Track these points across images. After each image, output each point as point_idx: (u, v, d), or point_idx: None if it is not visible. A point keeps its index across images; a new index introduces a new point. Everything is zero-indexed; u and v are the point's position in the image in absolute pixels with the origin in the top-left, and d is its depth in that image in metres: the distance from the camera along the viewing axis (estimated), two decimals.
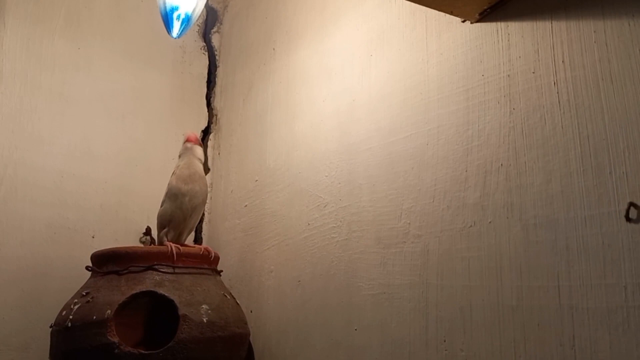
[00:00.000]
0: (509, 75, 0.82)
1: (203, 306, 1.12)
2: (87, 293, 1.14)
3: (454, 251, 0.86)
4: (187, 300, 1.12)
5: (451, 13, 0.89)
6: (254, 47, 1.57)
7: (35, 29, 1.45)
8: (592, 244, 0.68)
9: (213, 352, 1.11)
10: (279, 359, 1.22)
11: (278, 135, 1.37)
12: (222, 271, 1.32)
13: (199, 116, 1.71)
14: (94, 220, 1.46)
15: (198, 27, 1.77)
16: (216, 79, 1.76)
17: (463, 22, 0.91)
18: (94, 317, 1.07)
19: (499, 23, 0.85)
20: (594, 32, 0.72)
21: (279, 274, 1.27)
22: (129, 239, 1.49)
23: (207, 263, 1.25)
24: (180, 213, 1.26)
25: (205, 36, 1.79)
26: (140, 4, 1.65)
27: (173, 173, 1.31)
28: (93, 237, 1.45)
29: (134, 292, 1.10)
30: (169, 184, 1.29)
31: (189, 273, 1.19)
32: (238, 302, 1.26)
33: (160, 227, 1.27)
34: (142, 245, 1.47)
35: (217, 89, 1.75)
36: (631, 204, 0.65)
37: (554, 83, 0.76)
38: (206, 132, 1.71)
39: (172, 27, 1.14)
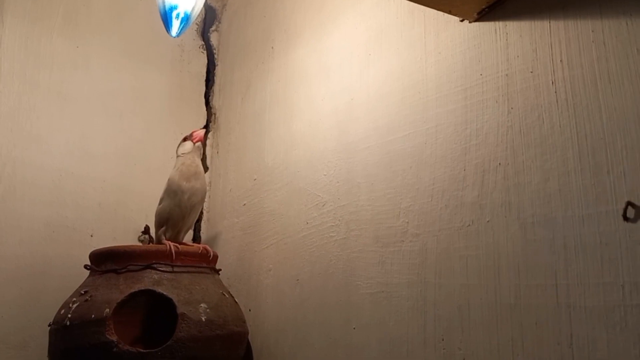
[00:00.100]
0: (507, 75, 0.82)
1: (202, 305, 1.13)
2: (85, 292, 1.14)
3: (452, 250, 0.86)
4: (186, 298, 1.12)
5: (449, 12, 0.89)
6: (253, 45, 1.57)
7: (34, 27, 1.45)
8: (589, 243, 0.68)
9: (211, 350, 1.11)
10: (278, 358, 1.22)
11: (276, 134, 1.37)
12: (220, 270, 1.33)
13: (197, 115, 1.71)
14: (93, 219, 1.46)
15: (197, 26, 1.77)
16: (215, 77, 1.76)
17: (461, 21, 0.91)
18: (93, 316, 1.07)
19: (497, 22, 0.85)
20: (592, 31, 0.72)
21: (278, 272, 1.27)
22: (128, 238, 1.49)
23: (206, 262, 1.25)
24: (179, 211, 1.26)
25: (204, 35, 1.79)
26: (139, 3, 1.64)
27: (176, 168, 1.30)
28: (92, 235, 1.45)
29: (132, 290, 1.10)
30: (169, 180, 1.28)
31: (188, 272, 1.19)
32: (237, 300, 1.26)
33: (158, 225, 1.27)
34: (140, 244, 1.47)
35: (216, 87, 1.75)
36: (629, 203, 0.65)
37: (552, 82, 0.76)
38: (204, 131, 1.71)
39: (171, 26, 1.14)
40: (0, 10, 1.40)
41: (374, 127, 1.05)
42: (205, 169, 1.65)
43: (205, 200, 1.56)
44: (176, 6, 1.15)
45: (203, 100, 1.73)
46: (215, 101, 1.73)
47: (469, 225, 0.84)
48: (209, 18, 1.80)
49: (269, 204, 1.35)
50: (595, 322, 0.66)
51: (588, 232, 0.69)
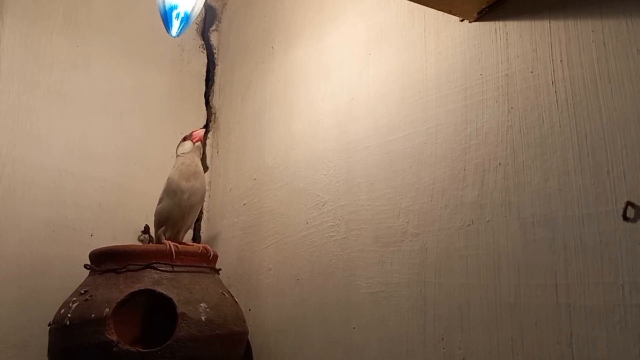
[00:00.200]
0: (507, 75, 0.82)
1: (201, 304, 1.13)
2: (85, 291, 1.14)
3: (452, 250, 0.86)
4: (186, 298, 1.12)
5: (449, 12, 0.89)
6: (253, 45, 1.57)
7: (34, 27, 1.45)
8: (589, 243, 0.68)
9: (211, 350, 1.11)
10: (278, 358, 1.22)
11: (276, 133, 1.37)
12: (220, 269, 1.33)
13: (197, 114, 1.71)
14: (93, 218, 1.46)
15: (197, 26, 1.77)
16: (215, 77, 1.76)
17: (461, 21, 0.91)
18: (93, 315, 1.07)
19: (497, 22, 0.86)
20: (592, 31, 0.72)
21: (278, 272, 1.27)
22: (128, 238, 1.49)
23: (206, 261, 1.25)
24: (179, 210, 1.26)
25: (204, 34, 1.79)
26: (139, 2, 1.64)
27: (175, 168, 1.30)
28: (91, 235, 1.45)
29: (132, 290, 1.10)
30: (169, 180, 1.28)
31: (188, 271, 1.19)
32: (236, 300, 1.26)
33: (158, 225, 1.27)
34: (140, 244, 1.47)
35: (216, 87, 1.75)
36: (629, 203, 0.65)
37: (552, 82, 0.76)
38: (204, 131, 1.71)
39: (171, 26, 1.14)
40: (0, 9, 1.40)
41: (374, 126, 1.05)
42: (205, 168, 1.66)
43: (205, 199, 1.56)
44: (176, 6, 1.15)
45: (203, 100, 1.73)
46: (215, 101, 1.73)
47: (469, 225, 0.84)
48: (209, 18, 1.80)
49: (269, 204, 1.35)
50: (595, 321, 0.66)
51: (588, 232, 0.69)
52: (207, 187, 1.60)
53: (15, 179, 1.36)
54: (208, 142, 1.70)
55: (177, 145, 1.37)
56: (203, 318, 1.11)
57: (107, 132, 1.53)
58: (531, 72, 0.79)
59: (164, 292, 1.11)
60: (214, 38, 1.79)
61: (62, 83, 1.47)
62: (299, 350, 1.15)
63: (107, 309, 1.07)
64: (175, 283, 1.14)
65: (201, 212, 1.59)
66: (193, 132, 1.37)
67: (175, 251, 1.18)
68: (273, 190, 1.34)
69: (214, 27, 1.80)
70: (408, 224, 0.94)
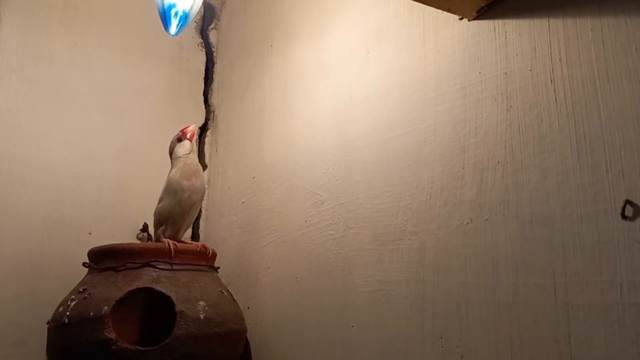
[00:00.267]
0: (506, 73, 0.82)
1: (200, 303, 1.13)
2: (84, 289, 1.14)
3: (451, 248, 0.86)
4: (184, 296, 1.12)
5: (449, 10, 0.89)
6: (252, 43, 1.56)
7: (32, 23, 1.45)
8: (588, 241, 0.68)
9: (210, 348, 1.11)
10: (276, 356, 1.22)
11: (275, 132, 1.37)
12: (219, 268, 1.33)
13: (196, 113, 1.71)
14: (91, 216, 1.46)
15: (195, 24, 1.77)
16: (214, 75, 1.76)
17: (460, 19, 0.91)
18: (91, 314, 1.07)
19: (496, 21, 0.86)
20: (591, 30, 0.72)
21: (276, 270, 1.27)
22: (126, 236, 1.49)
23: (205, 260, 1.25)
24: (179, 209, 1.25)
25: (203, 32, 1.79)
26: (138, 0, 1.64)
27: (177, 167, 1.28)
28: (90, 233, 1.45)
29: (131, 288, 1.10)
30: (169, 179, 1.27)
31: (186, 270, 1.19)
32: (235, 298, 1.26)
33: (158, 224, 1.27)
34: (139, 242, 1.47)
35: (215, 85, 1.74)
36: (627, 202, 0.65)
37: (551, 81, 0.76)
38: (203, 129, 1.71)
39: (170, 24, 1.14)
40: None
41: (373, 125, 1.05)
42: (204, 167, 1.66)
43: (204, 198, 1.56)
44: (175, 4, 1.14)
45: (202, 98, 1.73)
46: (214, 99, 1.73)
47: (468, 223, 0.84)
48: (208, 16, 1.80)
49: (267, 202, 1.35)
50: (593, 320, 0.66)
51: (586, 230, 0.69)
52: (206, 186, 1.59)
53: (13, 177, 1.36)
54: (207, 140, 1.70)
55: (171, 147, 1.32)
56: (202, 316, 1.11)
57: (106, 130, 1.52)
58: (530, 70, 0.79)
59: (163, 290, 1.11)
60: (213, 36, 1.79)
61: (61, 80, 1.47)
62: (298, 349, 1.15)
63: (106, 307, 1.07)
64: (173, 281, 1.14)
65: (200, 211, 1.59)
66: (184, 130, 1.32)
67: (174, 249, 1.18)
68: (272, 188, 1.34)
69: (213, 25, 1.80)
70: (407, 222, 0.94)
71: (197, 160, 1.33)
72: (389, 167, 1.00)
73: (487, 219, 0.81)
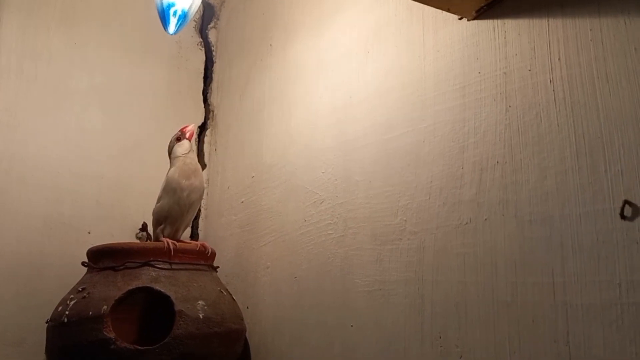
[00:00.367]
0: (505, 73, 0.83)
1: (199, 302, 1.13)
2: (83, 289, 1.14)
3: (450, 248, 0.86)
4: (184, 296, 1.12)
5: (448, 10, 0.89)
6: (251, 42, 1.56)
7: (31, 22, 1.45)
8: (586, 241, 0.69)
9: (209, 348, 1.11)
10: (275, 355, 1.22)
11: (274, 131, 1.37)
12: (218, 267, 1.33)
13: (195, 112, 1.71)
14: (90, 216, 1.46)
15: (195, 23, 1.77)
16: (213, 74, 1.76)
17: (460, 19, 0.91)
18: (90, 313, 1.07)
19: (495, 20, 0.86)
20: (590, 30, 0.72)
21: (275, 270, 1.27)
22: (125, 235, 1.49)
23: (204, 259, 1.25)
24: (178, 208, 1.25)
25: (202, 31, 1.78)
26: None
27: (176, 166, 1.28)
28: (89, 233, 1.45)
29: (130, 287, 1.10)
30: (168, 178, 1.27)
31: (186, 269, 1.19)
32: (234, 298, 1.26)
33: (157, 223, 1.27)
34: (138, 241, 1.47)
35: (214, 84, 1.74)
36: (626, 202, 0.65)
37: (550, 81, 0.76)
38: (203, 128, 1.71)
39: (169, 23, 1.14)
40: None
41: (372, 124, 1.05)
42: (203, 166, 1.65)
43: (203, 197, 1.56)
44: (174, 4, 1.14)
45: (201, 97, 1.73)
46: (214, 98, 1.73)
47: (467, 223, 0.84)
48: (207, 15, 1.80)
49: (266, 202, 1.35)
50: (591, 319, 0.66)
51: (585, 230, 0.69)
52: (205, 185, 1.59)
53: (12, 176, 1.36)
54: (206, 139, 1.70)
55: (170, 147, 1.32)
56: (201, 316, 1.11)
57: (105, 129, 1.52)
58: (529, 70, 0.79)
59: (162, 290, 1.11)
60: (212, 35, 1.79)
61: (60, 79, 1.47)
62: (296, 348, 1.15)
63: (105, 307, 1.07)
64: (173, 281, 1.14)
65: (199, 210, 1.59)
66: (184, 130, 1.32)
67: (173, 249, 1.18)
68: (271, 188, 1.34)
69: (212, 25, 1.80)
70: (406, 222, 0.94)
71: (196, 159, 1.33)
72: (388, 166, 1.00)
73: (486, 219, 0.81)
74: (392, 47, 1.04)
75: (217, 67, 1.75)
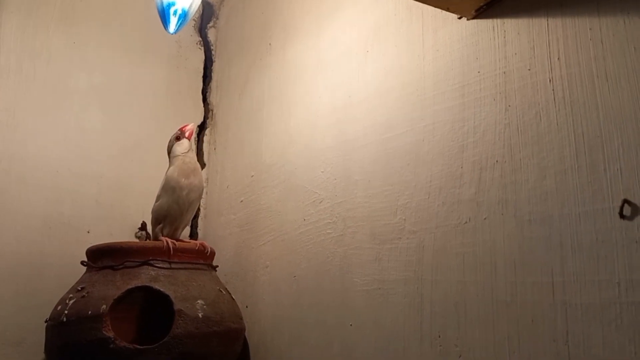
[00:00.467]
0: (504, 72, 0.82)
1: (198, 301, 1.13)
2: (82, 288, 1.14)
3: (449, 247, 0.86)
4: (183, 295, 1.12)
5: (447, 9, 0.89)
6: (250, 42, 1.56)
7: (30, 22, 1.45)
8: (586, 241, 0.69)
9: (208, 347, 1.11)
10: (274, 354, 1.22)
11: (274, 130, 1.37)
12: (217, 266, 1.33)
13: (194, 111, 1.71)
14: (90, 215, 1.46)
15: (194, 22, 1.77)
16: (212, 74, 1.76)
17: (459, 18, 0.91)
18: (89, 312, 1.07)
19: (495, 20, 0.86)
20: (590, 29, 0.72)
21: (275, 269, 1.27)
22: (124, 234, 1.49)
23: (203, 258, 1.25)
24: (177, 207, 1.25)
25: (202, 31, 1.78)
26: None
27: (175, 165, 1.28)
28: (88, 232, 1.45)
29: (129, 287, 1.10)
30: (167, 177, 1.27)
31: (185, 268, 1.19)
32: (233, 297, 1.26)
33: (156, 222, 1.27)
34: (137, 241, 1.47)
35: (213, 83, 1.74)
36: (625, 201, 0.65)
37: (550, 80, 0.76)
38: (202, 127, 1.71)
39: (169, 22, 1.14)
40: None
41: (372, 124, 1.05)
42: (203, 165, 1.65)
43: (202, 196, 1.56)
44: (174, 3, 1.14)
45: (200, 96, 1.73)
46: (213, 98, 1.73)
47: (466, 222, 0.84)
48: (207, 14, 1.80)
49: (266, 201, 1.35)
50: (591, 319, 0.66)
51: (584, 229, 0.69)
52: (205, 184, 1.59)
53: (11, 175, 1.36)
54: (205, 139, 1.70)
55: (170, 146, 1.32)
56: (200, 315, 1.11)
57: (105, 129, 1.52)
58: (529, 69, 0.79)
59: (161, 289, 1.11)
60: (211, 34, 1.79)
61: (59, 79, 1.47)
62: (296, 347, 1.15)
63: (104, 306, 1.07)
64: (172, 280, 1.14)
65: (198, 209, 1.59)
66: (183, 129, 1.32)
67: (172, 248, 1.18)
68: (270, 187, 1.34)
69: (211, 24, 1.80)
70: (405, 221, 0.94)
71: (195, 158, 1.33)
72: (388, 166, 1.00)
73: (485, 218, 0.81)
74: (391, 47, 1.04)
75: (216, 67, 1.75)
